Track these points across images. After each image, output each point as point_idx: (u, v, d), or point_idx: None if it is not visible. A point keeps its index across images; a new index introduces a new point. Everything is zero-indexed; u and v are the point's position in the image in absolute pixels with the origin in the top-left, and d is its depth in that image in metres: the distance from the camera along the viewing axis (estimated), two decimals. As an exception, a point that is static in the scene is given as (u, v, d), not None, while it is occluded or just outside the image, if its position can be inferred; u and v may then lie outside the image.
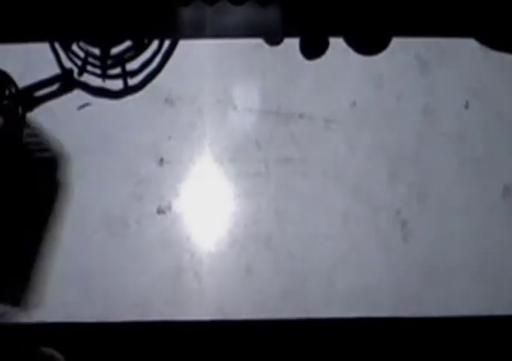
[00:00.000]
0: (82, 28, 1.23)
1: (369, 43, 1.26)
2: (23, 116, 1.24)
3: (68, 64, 1.26)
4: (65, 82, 1.25)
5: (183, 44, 1.25)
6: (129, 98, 1.25)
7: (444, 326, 1.20)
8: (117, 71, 1.26)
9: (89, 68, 1.26)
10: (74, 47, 1.25)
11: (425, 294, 1.21)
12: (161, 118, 1.25)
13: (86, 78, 1.26)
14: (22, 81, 1.25)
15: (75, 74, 1.26)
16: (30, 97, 1.25)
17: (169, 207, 1.23)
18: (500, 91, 1.25)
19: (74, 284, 1.21)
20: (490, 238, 1.23)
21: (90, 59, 1.25)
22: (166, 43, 1.25)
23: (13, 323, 1.20)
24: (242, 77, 1.26)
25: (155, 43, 1.25)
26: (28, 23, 1.22)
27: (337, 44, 1.25)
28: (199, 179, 1.25)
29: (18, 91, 1.25)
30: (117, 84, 1.26)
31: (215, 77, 1.25)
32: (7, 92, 1.25)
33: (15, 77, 1.25)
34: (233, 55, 1.26)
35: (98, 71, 1.26)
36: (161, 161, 1.24)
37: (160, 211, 1.23)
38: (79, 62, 1.26)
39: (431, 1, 1.21)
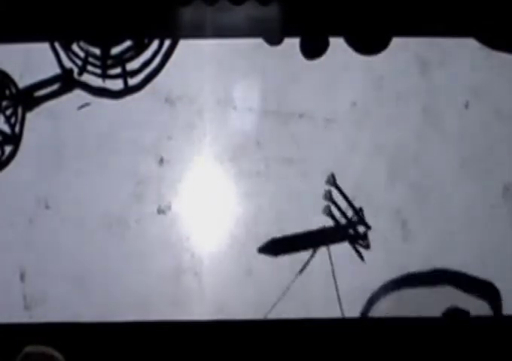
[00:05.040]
0: (82, 28, 1.24)
1: (369, 43, 1.26)
2: (23, 116, 1.24)
3: (68, 64, 1.26)
4: (65, 82, 1.25)
5: (183, 44, 1.25)
6: (129, 98, 1.25)
7: (444, 326, 1.20)
8: (117, 71, 1.26)
9: (89, 68, 1.26)
10: (74, 47, 1.25)
11: (425, 294, 1.21)
12: (161, 118, 1.25)
13: (86, 78, 1.26)
14: (22, 81, 1.25)
15: (75, 74, 1.26)
16: (30, 97, 1.25)
17: (169, 207, 1.23)
18: (500, 91, 1.25)
19: (74, 284, 1.21)
20: (490, 238, 1.23)
21: (90, 59, 1.25)
22: (166, 43, 1.25)
23: (13, 323, 1.20)
24: (243, 77, 1.26)
25: (155, 43, 1.25)
26: (28, 23, 1.22)
27: (337, 44, 1.25)
28: (199, 179, 1.24)
29: (18, 91, 1.25)
30: (117, 84, 1.26)
31: (215, 77, 1.25)
32: (7, 92, 1.25)
33: (15, 77, 1.25)
34: (233, 55, 1.26)
35: (98, 71, 1.26)
36: (161, 161, 1.24)
37: (160, 211, 1.23)
38: (79, 62, 1.26)
39: (431, 1, 1.22)
